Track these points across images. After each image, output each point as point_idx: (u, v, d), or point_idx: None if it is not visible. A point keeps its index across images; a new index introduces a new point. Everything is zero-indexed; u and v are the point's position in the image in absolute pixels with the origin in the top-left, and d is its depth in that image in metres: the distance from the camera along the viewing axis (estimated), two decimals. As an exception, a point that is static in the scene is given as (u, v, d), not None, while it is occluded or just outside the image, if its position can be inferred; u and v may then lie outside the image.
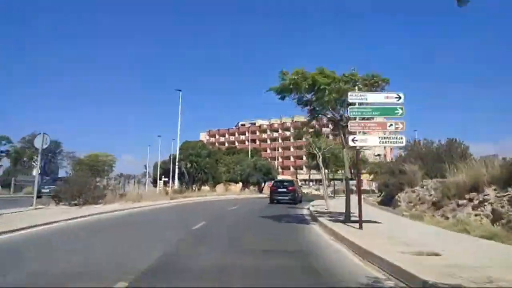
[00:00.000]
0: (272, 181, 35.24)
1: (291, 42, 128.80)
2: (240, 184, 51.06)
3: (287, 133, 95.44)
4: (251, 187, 51.35)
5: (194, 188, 35.17)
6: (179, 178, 33.68)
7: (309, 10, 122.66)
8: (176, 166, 33.03)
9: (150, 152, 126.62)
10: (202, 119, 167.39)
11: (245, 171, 48.21)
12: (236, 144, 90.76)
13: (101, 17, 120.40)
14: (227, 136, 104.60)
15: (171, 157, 36.54)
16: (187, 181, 35.35)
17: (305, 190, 50.13)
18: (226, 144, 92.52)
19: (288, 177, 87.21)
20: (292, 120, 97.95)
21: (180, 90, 35.84)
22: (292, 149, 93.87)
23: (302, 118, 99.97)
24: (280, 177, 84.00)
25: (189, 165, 35.07)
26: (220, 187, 41.50)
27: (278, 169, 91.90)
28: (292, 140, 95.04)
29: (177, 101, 34.22)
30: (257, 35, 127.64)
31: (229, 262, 5.60)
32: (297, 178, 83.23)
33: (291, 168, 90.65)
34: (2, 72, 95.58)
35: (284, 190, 23.31)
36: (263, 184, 53.95)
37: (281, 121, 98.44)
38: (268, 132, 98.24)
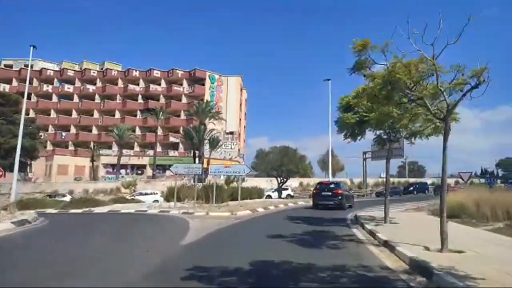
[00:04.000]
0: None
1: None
2: None
3: (90, 89, 57.96)
4: None
5: None
6: None
7: None
8: None
9: None
10: None
11: None
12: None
13: None
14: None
15: None
16: None
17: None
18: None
19: (115, 162, 51.34)
20: (101, 68, 61.05)
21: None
22: (96, 114, 57.18)
23: (115, 66, 61.66)
24: (64, 158, 47.63)
25: None
26: None
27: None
28: (98, 100, 58.27)
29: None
30: None
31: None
32: (93, 161, 48.09)
33: (91, 145, 54.30)
34: None
35: (329, 193, 20.62)
36: None
37: (81, 68, 60.03)
38: (56, 84, 58.10)
